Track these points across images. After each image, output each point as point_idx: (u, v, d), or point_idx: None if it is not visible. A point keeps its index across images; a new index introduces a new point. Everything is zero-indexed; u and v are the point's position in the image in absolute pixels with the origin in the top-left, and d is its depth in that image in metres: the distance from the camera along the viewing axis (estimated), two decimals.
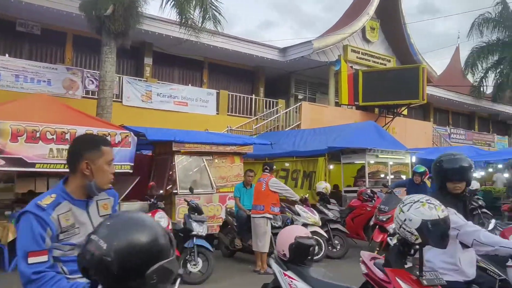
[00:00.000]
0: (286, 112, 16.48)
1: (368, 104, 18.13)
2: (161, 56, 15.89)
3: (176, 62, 16.62)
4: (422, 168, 6.98)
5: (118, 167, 6.77)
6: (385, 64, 19.50)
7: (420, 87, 16.97)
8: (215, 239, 8.21)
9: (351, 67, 17.91)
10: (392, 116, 18.22)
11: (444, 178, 2.86)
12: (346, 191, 10.31)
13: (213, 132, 9.43)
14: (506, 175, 14.36)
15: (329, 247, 7.49)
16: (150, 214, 5.70)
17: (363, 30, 18.90)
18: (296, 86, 19.84)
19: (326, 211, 7.41)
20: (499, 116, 29.27)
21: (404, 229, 2.48)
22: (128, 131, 7.34)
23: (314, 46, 16.19)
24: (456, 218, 2.65)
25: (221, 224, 8.04)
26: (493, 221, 4.27)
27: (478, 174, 14.20)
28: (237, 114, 16.20)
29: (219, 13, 11.47)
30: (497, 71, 25.45)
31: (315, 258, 7.05)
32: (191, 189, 7.28)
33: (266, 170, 6.97)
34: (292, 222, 6.95)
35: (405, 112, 19.85)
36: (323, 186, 7.90)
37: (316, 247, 4.01)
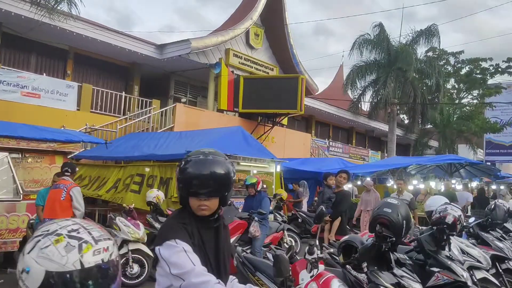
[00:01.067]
0: (160, 114, 15.31)
1: (247, 111, 17.70)
2: (13, 39, 13.79)
3: (34, 48, 14.58)
4: (253, 180, 6.41)
5: None
6: (268, 72, 19.32)
7: (298, 98, 16.95)
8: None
9: (232, 72, 17.37)
10: (271, 125, 17.98)
11: (186, 189, 1.85)
12: None
13: (36, 126, 7.86)
14: None
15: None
16: None
17: (247, 35, 18.54)
18: (176, 88, 18.78)
19: (157, 225, 6.39)
20: (374, 132, 31.13)
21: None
22: None
23: (192, 45, 15.30)
24: (180, 259, 1.70)
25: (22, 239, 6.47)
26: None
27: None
28: (104, 112, 14.60)
29: None
30: (374, 90, 26.94)
31: (135, 281, 6.03)
32: None
33: (67, 173, 5.49)
34: None
35: (285, 122, 19.84)
36: (154, 194, 6.82)
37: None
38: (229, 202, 6.43)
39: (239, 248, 5.57)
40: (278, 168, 10.39)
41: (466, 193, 12.65)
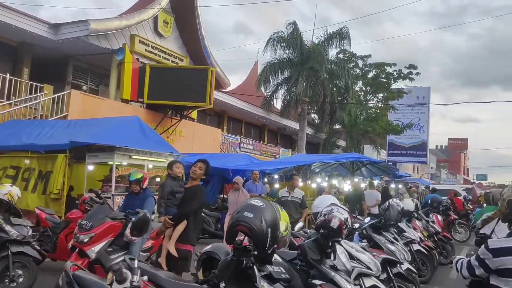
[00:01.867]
0: (52, 101, 13.75)
1: (153, 102, 16.68)
2: None
3: None
4: (138, 175, 5.63)
5: None
6: (177, 63, 18.40)
7: (208, 91, 16.28)
8: None
9: (138, 59, 16.23)
10: (179, 118, 17.11)
11: None
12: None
13: None
14: None
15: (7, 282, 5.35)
16: None
17: (155, 22, 17.47)
18: (75, 74, 17.16)
19: (8, 227, 5.33)
20: (286, 130, 31.43)
21: None
22: None
23: (91, 27, 13.96)
24: None
25: None
26: None
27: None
28: None
29: None
30: (286, 88, 27.09)
31: None
32: None
33: None
34: None
35: (194, 116, 19.09)
36: (6, 191, 5.73)
37: None
38: (102, 200, 5.53)
39: (112, 256, 4.78)
40: None
41: (375, 192, 12.79)
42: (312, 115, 33.49)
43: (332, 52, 29.04)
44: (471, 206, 16.10)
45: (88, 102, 14.17)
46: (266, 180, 15.33)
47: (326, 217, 3.46)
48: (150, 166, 9.16)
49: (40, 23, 14.25)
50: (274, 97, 27.63)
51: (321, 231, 3.36)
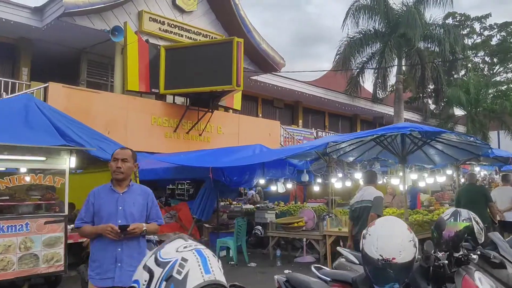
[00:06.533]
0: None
1: (171, 92, 13.37)
2: None
3: None
4: None
5: None
6: None
7: (234, 69, 12.41)
8: None
9: (147, 41, 13.05)
10: (205, 110, 13.46)
11: None
12: None
13: None
14: None
15: None
16: None
17: None
18: (90, 69, 14.68)
19: None
20: (384, 119, 25.68)
21: None
22: None
23: (65, 1, 11.07)
24: None
25: None
26: None
27: None
28: None
29: None
30: (375, 66, 21.90)
31: None
32: None
33: None
34: None
35: (236, 105, 15.33)
36: None
37: None
38: None
39: None
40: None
41: (510, 187, 8.47)
42: (425, 100, 27.26)
43: (435, 16, 22.90)
44: None
45: (75, 97, 11.34)
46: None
47: None
48: (24, 170, 5.61)
49: (18, 8, 11.87)
50: (361, 79, 22.61)
51: None
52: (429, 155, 6.76)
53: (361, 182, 10.97)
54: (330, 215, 7.36)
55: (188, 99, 13.49)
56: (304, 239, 7.64)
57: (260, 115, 20.39)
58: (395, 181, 8.12)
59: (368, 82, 23.22)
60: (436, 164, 7.45)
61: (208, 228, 8.09)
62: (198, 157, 8.57)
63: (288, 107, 22.15)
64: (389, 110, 23.83)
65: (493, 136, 26.80)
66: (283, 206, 10.89)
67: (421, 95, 22.37)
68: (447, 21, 25.99)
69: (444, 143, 6.26)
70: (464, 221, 2.79)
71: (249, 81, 17.33)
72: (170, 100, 13.88)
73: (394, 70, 21.76)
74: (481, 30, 28.04)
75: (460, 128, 28.28)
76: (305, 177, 8.05)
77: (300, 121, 22.03)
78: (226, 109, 15.45)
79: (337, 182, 8.22)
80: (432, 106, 27.59)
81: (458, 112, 27.95)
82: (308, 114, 23.02)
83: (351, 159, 7.00)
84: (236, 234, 7.28)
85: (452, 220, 2.83)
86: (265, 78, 18.11)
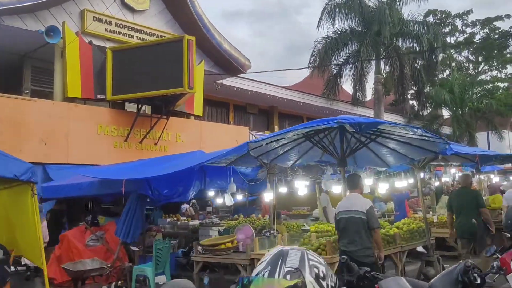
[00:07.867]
0: None
1: (119, 98, 12.16)
2: None
3: None
4: None
5: None
6: None
7: (185, 70, 11.23)
8: None
9: (90, 42, 11.86)
10: (158, 116, 12.23)
11: None
12: None
13: None
14: None
15: None
16: None
17: None
18: (35, 77, 13.40)
19: None
20: None
21: None
22: None
23: None
24: None
25: None
26: None
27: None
28: None
29: None
30: (352, 66, 20.85)
31: None
32: None
33: None
34: None
35: (199, 112, 14.10)
36: None
37: None
38: None
39: None
40: None
41: None
42: (411, 102, 26.20)
43: (416, 14, 21.91)
44: None
45: (6, 106, 10.11)
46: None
47: None
48: None
49: None
50: (339, 80, 21.57)
51: None
52: (380, 155, 5.59)
53: (317, 190, 9.89)
54: (272, 231, 6.12)
55: (139, 105, 12.26)
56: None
57: (232, 122, 19.24)
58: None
59: (347, 84, 22.16)
60: (391, 166, 6.27)
61: (135, 251, 6.87)
62: (124, 169, 7.37)
63: (262, 113, 21.02)
64: (370, 113, 22.70)
65: (482, 138, 25.79)
66: (231, 221, 9.65)
67: (401, 96, 21.25)
68: (427, 19, 25.08)
69: (395, 139, 5.09)
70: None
71: (215, 85, 16.19)
72: (123, 106, 12.67)
73: (373, 71, 20.77)
74: (463, 27, 27.11)
75: (446, 130, 27.26)
76: (233, 188, 6.77)
77: (276, 127, 20.87)
78: (188, 115, 14.25)
79: (281, 190, 7.00)
80: (417, 108, 26.57)
81: (445, 113, 26.98)
82: (284, 119, 21.90)
83: (289, 163, 5.83)
84: (156, 260, 6.04)
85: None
86: (234, 82, 16.99)
